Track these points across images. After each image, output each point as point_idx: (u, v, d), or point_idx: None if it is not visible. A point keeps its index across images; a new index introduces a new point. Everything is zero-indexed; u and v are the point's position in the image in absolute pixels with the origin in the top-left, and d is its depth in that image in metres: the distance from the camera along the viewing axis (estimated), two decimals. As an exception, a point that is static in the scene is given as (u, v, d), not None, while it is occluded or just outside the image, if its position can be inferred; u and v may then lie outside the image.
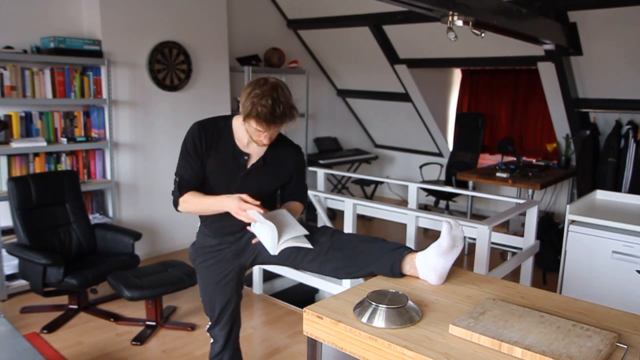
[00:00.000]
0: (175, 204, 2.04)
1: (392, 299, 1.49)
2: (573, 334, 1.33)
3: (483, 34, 3.36)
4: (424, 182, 6.08)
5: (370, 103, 6.97)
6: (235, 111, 2.20)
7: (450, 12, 2.93)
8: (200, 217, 2.15)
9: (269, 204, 2.09)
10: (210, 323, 2.30)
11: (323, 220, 4.01)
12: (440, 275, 1.72)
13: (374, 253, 1.84)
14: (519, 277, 3.55)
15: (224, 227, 2.11)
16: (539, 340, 1.29)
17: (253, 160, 2.03)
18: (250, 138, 1.96)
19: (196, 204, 2.01)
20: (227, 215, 1.98)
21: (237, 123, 2.01)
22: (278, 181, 2.12)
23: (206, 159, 2.00)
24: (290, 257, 2.01)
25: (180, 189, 2.01)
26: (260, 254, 2.12)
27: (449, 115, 6.76)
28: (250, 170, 2.02)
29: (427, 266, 1.72)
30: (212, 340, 2.34)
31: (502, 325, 1.37)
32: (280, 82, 1.87)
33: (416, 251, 1.80)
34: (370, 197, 6.59)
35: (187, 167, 2.01)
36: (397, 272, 1.77)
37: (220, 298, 2.21)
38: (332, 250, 1.92)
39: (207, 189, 2.04)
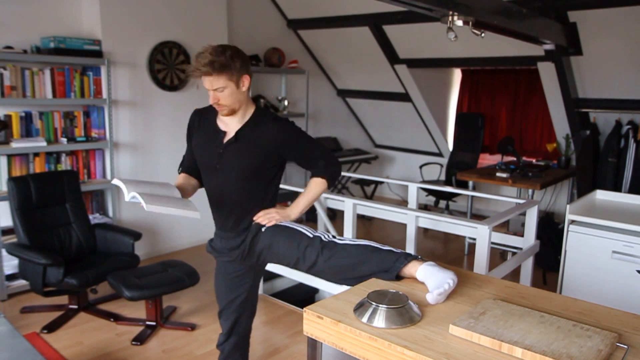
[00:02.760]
0: None
1: (392, 299, 1.49)
2: (573, 334, 1.33)
3: (483, 34, 3.36)
4: (424, 182, 6.08)
5: (370, 103, 6.97)
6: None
7: (450, 12, 2.93)
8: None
9: (257, 197, 2.10)
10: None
11: (323, 220, 4.01)
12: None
13: (377, 262, 1.83)
14: (519, 277, 3.55)
15: (221, 220, 2.16)
16: (539, 340, 1.29)
17: (228, 137, 2.06)
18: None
19: None
20: (221, 208, 2.12)
21: None
22: (255, 158, 2.04)
23: (193, 139, 2.17)
24: (292, 262, 2.05)
25: (179, 167, 2.25)
26: (262, 253, 2.14)
27: (449, 115, 6.76)
28: (225, 146, 2.06)
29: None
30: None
31: (502, 325, 1.37)
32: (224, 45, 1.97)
33: (416, 258, 1.78)
34: (370, 197, 6.59)
35: (186, 150, 2.24)
36: (394, 278, 1.79)
37: (226, 291, 2.27)
38: (332, 260, 1.92)
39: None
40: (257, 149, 2.03)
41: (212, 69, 1.89)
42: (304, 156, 2.11)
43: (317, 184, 2.12)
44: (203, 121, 2.14)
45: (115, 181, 1.87)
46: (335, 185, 6.70)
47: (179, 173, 2.23)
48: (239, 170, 2.05)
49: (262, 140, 2.02)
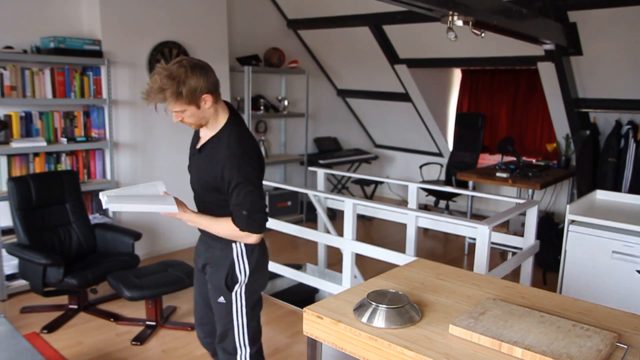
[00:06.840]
0: None
1: (392, 299, 1.49)
2: (573, 334, 1.33)
3: (483, 34, 3.36)
4: (424, 182, 6.08)
5: (370, 103, 6.97)
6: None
7: (450, 12, 2.93)
8: None
9: (219, 211, 1.97)
10: None
11: (323, 220, 4.01)
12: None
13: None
14: (519, 277, 3.55)
15: None
16: (539, 340, 1.29)
17: (200, 143, 2.02)
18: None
19: None
20: (196, 207, 2.13)
21: None
22: (209, 175, 1.93)
23: None
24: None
25: None
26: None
27: (449, 115, 6.76)
28: (191, 155, 2.09)
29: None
30: None
31: (502, 325, 1.37)
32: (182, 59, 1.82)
33: None
34: (370, 197, 6.58)
35: None
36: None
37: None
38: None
39: None
40: (211, 165, 1.92)
41: (164, 98, 1.76)
42: (234, 197, 1.90)
43: (228, 225, 1.92)
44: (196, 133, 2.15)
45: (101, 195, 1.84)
46: (336, 185, 6.70)
47: None
48: (199, 180, 2.01)
49: (215, 158, 1.91)
